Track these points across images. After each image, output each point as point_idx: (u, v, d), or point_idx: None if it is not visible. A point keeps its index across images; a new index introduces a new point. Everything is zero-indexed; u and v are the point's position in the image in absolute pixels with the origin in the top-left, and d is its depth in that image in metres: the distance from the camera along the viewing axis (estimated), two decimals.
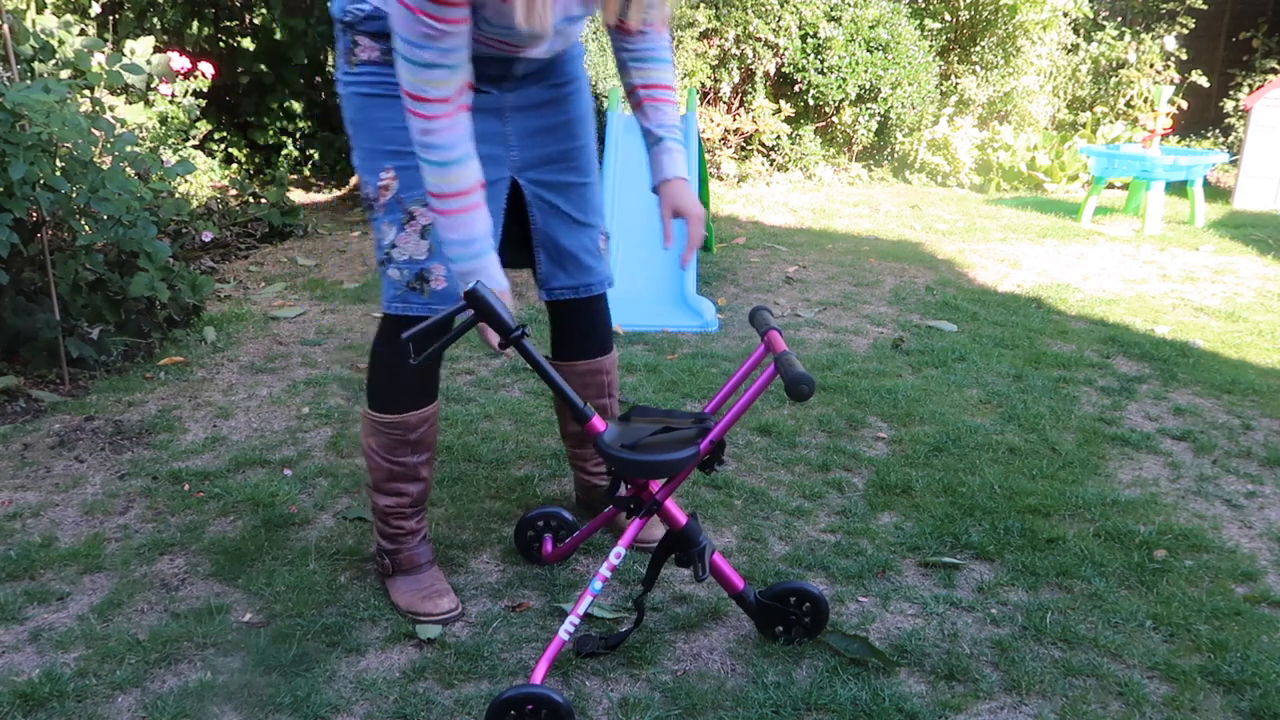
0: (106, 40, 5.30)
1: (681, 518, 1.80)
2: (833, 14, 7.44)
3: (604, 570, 1.74)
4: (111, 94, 4.71)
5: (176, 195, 5.06)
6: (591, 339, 2.14)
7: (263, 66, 7.38)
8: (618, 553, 1.75)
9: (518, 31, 1.59)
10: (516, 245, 2.01)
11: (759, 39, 7.30)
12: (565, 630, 1.70)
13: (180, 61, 5.35)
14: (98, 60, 3.81)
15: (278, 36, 7.27)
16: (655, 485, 1.79)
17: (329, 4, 1.81)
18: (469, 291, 1.59)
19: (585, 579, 2.13)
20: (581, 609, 1.71)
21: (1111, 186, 7.26)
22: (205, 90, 5.72)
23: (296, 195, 6.54)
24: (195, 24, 7.24)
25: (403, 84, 1.58)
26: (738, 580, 1.87)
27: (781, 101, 7.64)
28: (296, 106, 7.67)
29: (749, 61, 7.40)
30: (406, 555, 2.02)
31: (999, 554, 2.23)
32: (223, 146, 7.32)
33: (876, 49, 7.46)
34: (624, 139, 4.57)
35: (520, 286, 4.02)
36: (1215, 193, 7.48)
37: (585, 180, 2.01)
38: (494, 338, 1.64)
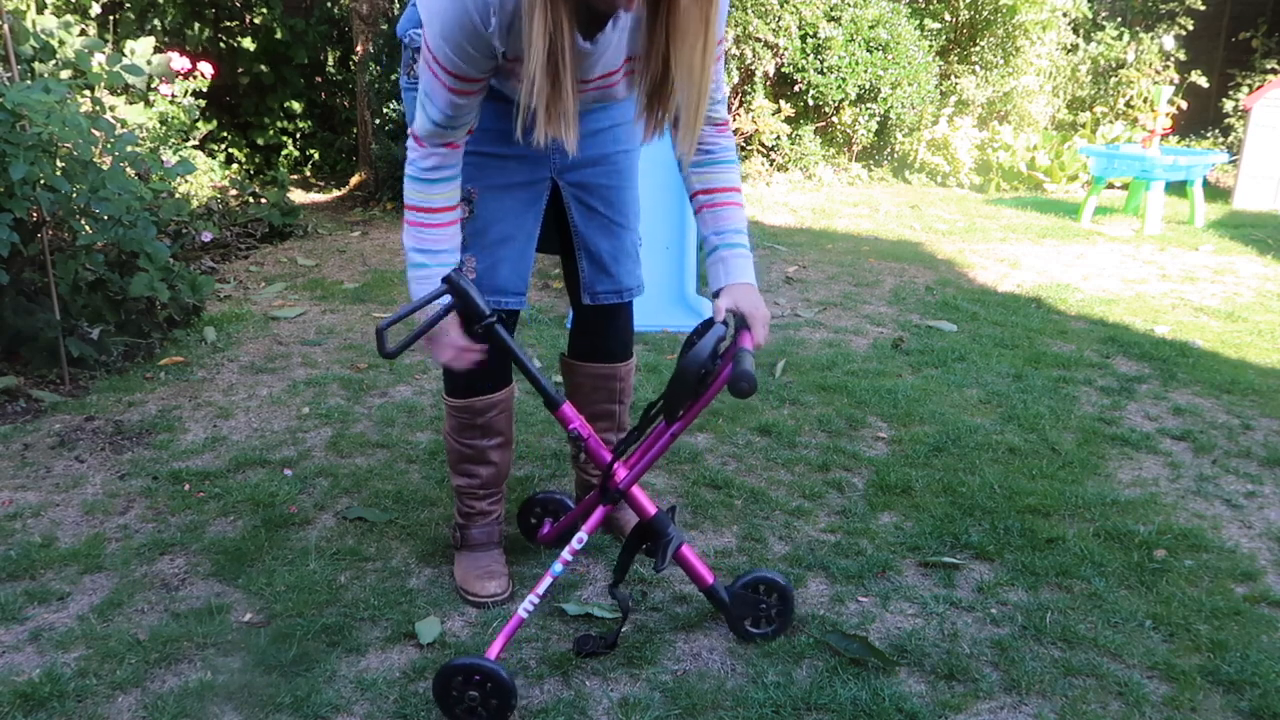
0: (106, 40, 5.30)
1: (650, 508, 1.83)
2: (832, 14, 7.43)
3: (565, 554, 1.77)
4: (111, 94, 4.71)
5: (176, 195, 5.06)
6: (615, 343, 2.14)
7: (263, 66, 7.38)
8: (580, 538, 1.78)
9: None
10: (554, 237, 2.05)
11: (759, 39, 7.29)
12: (524, 609, 1.74)
13: (180, 62, 5.36)
14: (98, 60, 3.81)
15: (278, 36, 7.29)
16: (620, 474, 1.82)
17: (396, 25, 1.87)
18: (446, 278, 1.67)
19: (586, 579, 2.13)
20: (541, 589, 1.75)
21: (1111, 186, 7.26)
22: (205, 90, 5.73)
23: (296, 195, 6.54)
24: (196, 24, 7.25)
25: (407, 199, 1.74)
26: (707, 574, 1.88)
27: (781, 101, 7.64)
28: (296, 106, 7.68)
29: (749, 62, 7.39)
30: (473, 533, 2.11)
31: (999, 554, 2.23)
32: (223, 146, 7.33)
33: (876, 49, 7.46)
34: None
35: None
36: (1215, 193, 7.48)
37: (624, 184, 2.01)
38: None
